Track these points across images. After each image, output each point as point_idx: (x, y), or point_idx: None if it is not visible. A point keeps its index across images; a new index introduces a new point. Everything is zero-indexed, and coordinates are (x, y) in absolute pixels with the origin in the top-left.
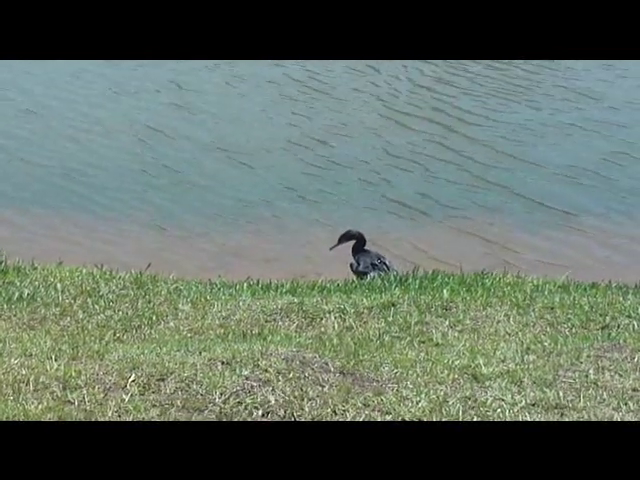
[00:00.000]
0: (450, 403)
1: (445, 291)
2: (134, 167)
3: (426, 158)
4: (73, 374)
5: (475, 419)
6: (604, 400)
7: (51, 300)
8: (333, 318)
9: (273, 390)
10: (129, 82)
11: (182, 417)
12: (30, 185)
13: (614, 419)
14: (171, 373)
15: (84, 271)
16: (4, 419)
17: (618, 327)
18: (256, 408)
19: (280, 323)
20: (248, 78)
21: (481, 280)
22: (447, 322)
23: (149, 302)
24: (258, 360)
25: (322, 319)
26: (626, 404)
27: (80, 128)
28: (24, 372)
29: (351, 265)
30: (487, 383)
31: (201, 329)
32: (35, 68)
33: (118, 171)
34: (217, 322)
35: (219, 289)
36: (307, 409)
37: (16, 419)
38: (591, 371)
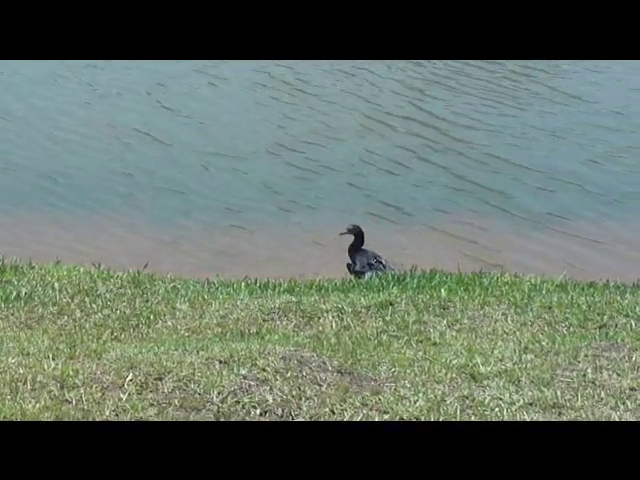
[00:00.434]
0: (448, 402)
1: (443, 290)
2: (127, 168)
3: (411, 161)
4: (71, 373)
5: (473, 418)
6: (602, 399)
7: (48, 299)
8: (331, 317)
9: (271, 389)
10: (113, 83)
11: (180, 416)
12: (26, 186)
13: (612, 418)
14: (169, 372)
15: (81, 270)
16: (2, 418)
17: (616, 326)
18: (254, 407)
19: (278, 322)
20: (232, 79)
21: (479, 279)
22: (445, 321)
23: (147, 301)
24: (256, 359)
25: (320, 318)
26: (624, 403)
27: (70, 130)
28: (21, 371)
29: (348, 265)
30: (485, 382)
31: (199, 328)
32: (21, 68)
33: (111, 172)
34: (215, 321)
35: (217, 288)
36: (305, 408)
37: (14, 418)
38: (589, 370)
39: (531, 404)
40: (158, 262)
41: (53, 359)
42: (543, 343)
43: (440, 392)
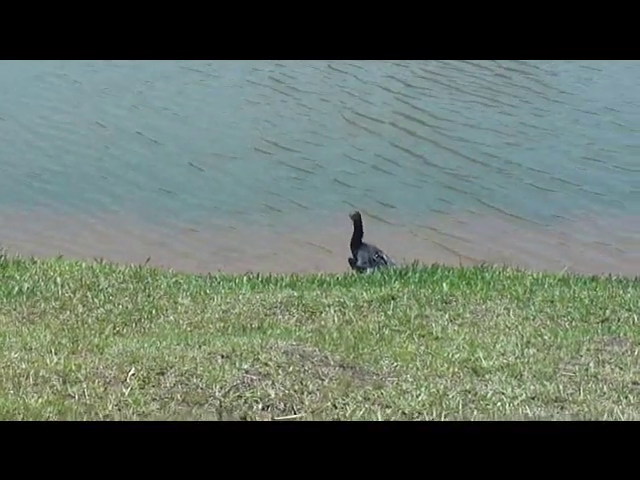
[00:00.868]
0: (450, 396)
1: (445, 285)
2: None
3: (402, 159)
4: (73, 368)
5: (475, 413)
6: (604, 393)
7: (51, 294)
8: (333, 312)
9: (273, 384)
10: (100, 81)
11: (182, 411)
12: (28, 181)
13: (614, 412)
14: (171, 367)
15: (84, 265)
16: (4, 413)
17: (618, 320)
18: (256, 402)
19: (280, 317)
20: (221, 78)
21: (481, 274)
22: (447, 316)
23: (149, 296)
24: (258, 354)
25: (322, 313)
26: (626, 397)
27: (60, 128)
28: (24, 366)
29: (350, 260)
30: (487, 376)
31: (201, 323)
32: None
33: (110, 169)
34: (217, 316)
35: (219, 283)
36: (307, 403)
37: (16, 413)
38: (591, 364)
39: (533, 398)
40: (159, 258)
41: (55, 354)
42: (545, 337)
43: (442, 386)
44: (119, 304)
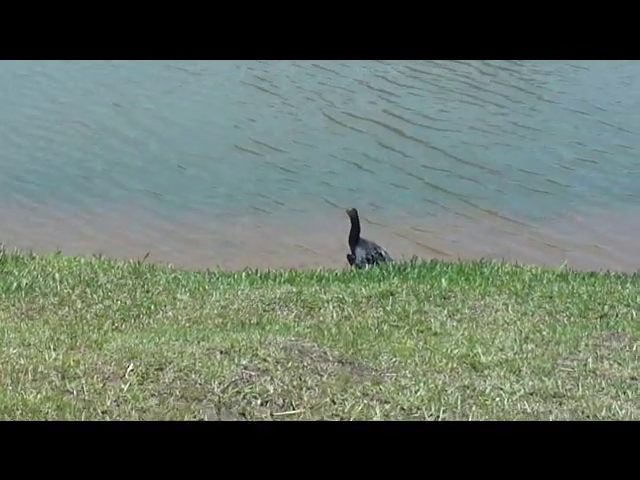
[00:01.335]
0: (449, 392)
1: (444, 280)
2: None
3: (386, 159)
4: (72, 364)
5: (474, 408)
6: (603, 389)
7: (49, 290)
8: (332, 307)
9: (272, 379)
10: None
11: (181, 406)
12: (28, 176)
13: (612, 408)
14: (170, 363)
15: (82, 261)
16: (3, 409)
17: (617, 316)
18: (255, 397)
19: (279, 312)
20: (206, 77)
21: (480, 269)
22: (446, 311)
23: (147, 292)
24: (257, 349)
25: (321, 308)
26: (624, 393)
27: (45, 127)
28: (23, 362)
29: (348, 257)
30: (486, 372)
31: (200, 319)
32: None
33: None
34: (215, 311)
35: (217, 279)
36: (306, 398)
37: (15, 409)
38: (590, 360)
39: (532, 394)
40: (158, 253)
41: (54, 350)
42: (544, 333)
43: (441, 382)
44: (118, 300)
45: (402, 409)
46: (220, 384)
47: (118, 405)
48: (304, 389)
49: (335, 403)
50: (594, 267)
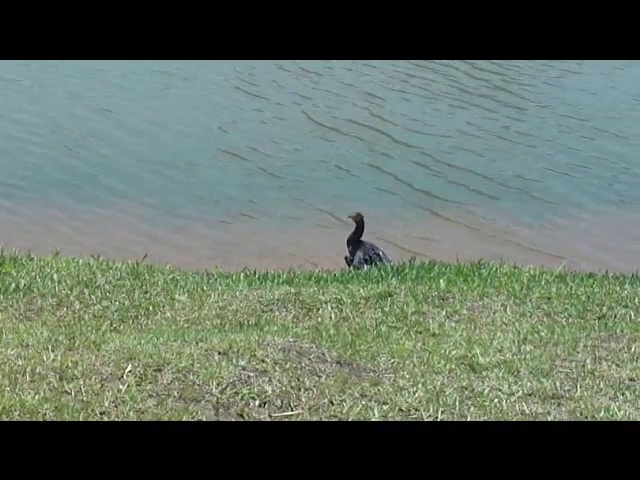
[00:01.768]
0: (447, 393)
1: (442, 281)
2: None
3: (365, 165)
4: (70, 365)
5: (472, 409)
6: (601, 390)
7: (47, 291)
8: (330, 308)
9: (270, 380)
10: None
11: (179, 407)
12: (25, 177)
13: (610, 409)
14: (168, 363)
15: (80, 262)
16: (1, 409)
17: (615, 317)
18: (253, 398)
19: (277, 313)
20: (185, 81)
21: (478, 270)
22: (444, 312)
23: (146, 292)
24: (255, 350)
25: (319, 309)
26: (623, 394)
27: (31, 131)
28: (21, 363)
29: (346, 258)
30: (484, 373)
31: (198, 319)
32: None
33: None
34: (214, 312)
35: (216, 279)
36: (304, 399)
37: (13, 409)
38: (588, 361)
39: (530, 395)
40: (156, 254)
41: (52, 350)
42: (542, 334)
43: (439, 383)
44: (116, 301)
45: (400, 410)
46: (218, 385)
47: (116, 406)
48: (302, 390)
49: (333, 404)
50: (592, 268)
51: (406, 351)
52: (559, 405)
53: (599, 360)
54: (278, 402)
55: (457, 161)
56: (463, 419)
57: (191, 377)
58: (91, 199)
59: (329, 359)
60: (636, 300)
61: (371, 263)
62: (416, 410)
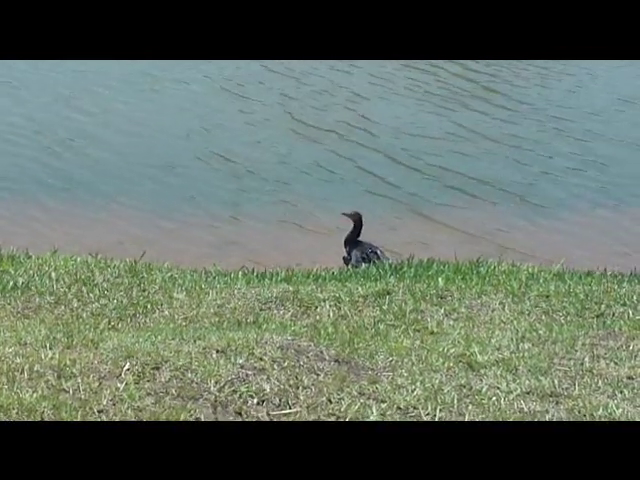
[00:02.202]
0: (445, 391)
1: (440, 279)
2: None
3: (349, 169)
4: (68, 363)
5: (470, 407)
6: (599, 388)
7: (45, 289)
8: (328, 306)
9: (268, 378)
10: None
11: (177, 405)
12: (23, 175)
13: (609, 407)
14: (166, 362)
15: (78, 260)
16: None
17: (613, 315)
18: (251, 396)
19: (275, 311)
20: (164, 80)
21: (476, 268)
22: (442, 310)
23: (144, 291)
24: (253, 348)
25: (317, 307)
26: (621, 392)
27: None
28: (19, 361)
29: (344, 258)
30: (482, 371)
31: (196, 317)
32: None
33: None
34: (212, 310)
35: (214, 277)
36: (302, 397)
37: (11, 408)
38: (586, 359)
39: (528, 393)
40: (154, 252)
41: (50, 348)
42: (540, 332)
43: (437, 381)
44: (114, 299)
45: (398, 408)
46: (216, 383)
47: (114, 404)
48: (300, 388)
49: (331, 402)
50: (591, 266)
51: (404, 349)
52: (557, 403)
53: (597, 358)
54: (276, 400)
55: (445, 163)
56: (461, 417)
57: (189, 375)
58: (89, 198)
59: (327, 357)
60: (634, 298)
61: (369, 261)
62: (414, 408)
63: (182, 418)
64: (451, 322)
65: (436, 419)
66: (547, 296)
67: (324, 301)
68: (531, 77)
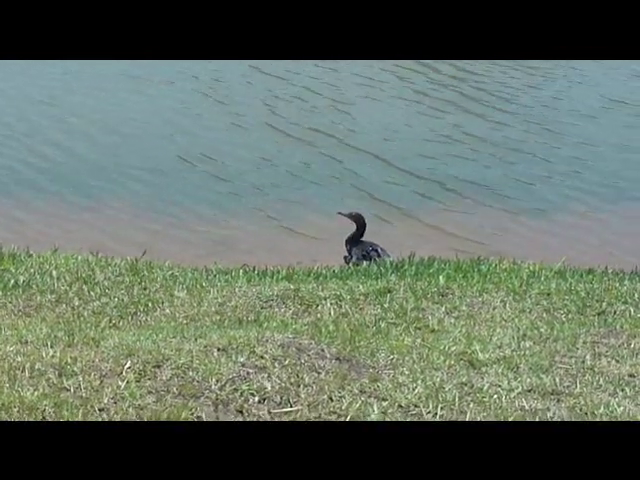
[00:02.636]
0: (446, 389)
1: (441, 277)
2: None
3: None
4: (69, 361)
5: (471, 405)
6: (601, 386)
7: (46, 287)
8: (329, 304)
9: (269, 376)
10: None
11: (178, 404)
12: (25, 173)
13: (610, 405)
14: (167, 360)
15: (79, 258)
16: (0, 406)
17: (614, 313)
18: (252, 395)
19: (276, 309)
20: (146, 84)
21: (477, 266)
22: (443, 308)
23: (145, 289)
24: (254, 347)
25: (318, 305)
26: (622, 390)
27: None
28: (20, 359)
29: (345, 258)
30: (483, 369)
31: (197, 316)
32: None
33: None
34: (213, 309)
35: (215, 276)
36: (303, 395)
37: (12, 406)
38: (587, 357)
39: (530, 391)
40: (156, 251)
41: (51, 347)
42: (542, 330)
43: (439, 379)
44: (115, 297)
45: (400, 406)
46: (217, 381)
47: (115, 402)
48: (301, 386)
49: (332, 400)
50: (592, 264)
51: (405, 347)
52: (559, 401)
53: (599, 356)
54: (277, 398)
55: (435, 165)
56: (462, 415)
57: (190, 373)
58: (89, 195)
59: (328, 355)
60: (636, 296)
61: (369, 259)
62: (415, 406)
63: (183, 416)
64: (452, 320)
65: (437, 417)
66: (548, 294)
67: (325, 299)
68: (523, 77)
